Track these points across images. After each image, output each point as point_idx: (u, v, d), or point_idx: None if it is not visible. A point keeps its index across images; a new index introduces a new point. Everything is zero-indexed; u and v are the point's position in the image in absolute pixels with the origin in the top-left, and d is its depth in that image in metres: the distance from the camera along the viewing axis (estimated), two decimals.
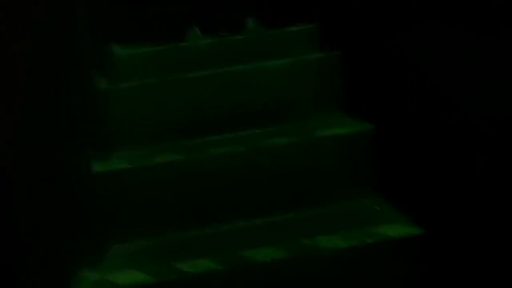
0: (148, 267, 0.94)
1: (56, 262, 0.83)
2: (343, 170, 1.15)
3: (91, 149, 1.16)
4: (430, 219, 0.98)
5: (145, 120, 1.34)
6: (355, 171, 1.15)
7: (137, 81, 1.36)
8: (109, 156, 1.19)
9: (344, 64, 1.37)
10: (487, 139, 0.71)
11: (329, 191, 1.16)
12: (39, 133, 0.84)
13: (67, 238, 0.90)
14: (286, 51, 1.59)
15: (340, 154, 1.14)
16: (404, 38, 0.96)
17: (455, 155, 0.81)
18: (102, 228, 1.07)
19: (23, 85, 0.80)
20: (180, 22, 2.38)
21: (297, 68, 1.37)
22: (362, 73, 1.29)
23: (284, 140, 1.14)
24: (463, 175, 0.78)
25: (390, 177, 1.10)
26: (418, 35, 0.91)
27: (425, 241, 0.97)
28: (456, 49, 0.80)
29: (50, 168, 0.87)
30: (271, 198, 1.15)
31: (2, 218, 0.64)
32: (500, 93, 0.69)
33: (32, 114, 0.82)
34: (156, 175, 1.10)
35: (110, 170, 1.08)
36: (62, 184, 0.93)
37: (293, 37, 1.59)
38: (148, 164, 1.10)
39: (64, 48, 1.10)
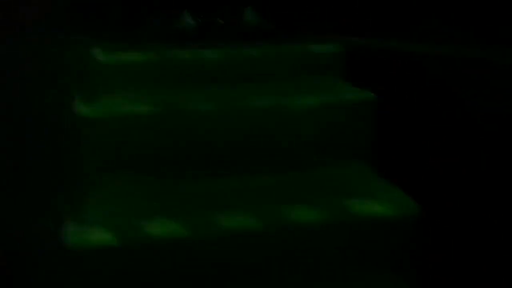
0: None
1: None
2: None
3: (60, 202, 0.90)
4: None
5: (133, 157, 1.07)
6: None
7: (126, 107, 1.07)
8: (84, 217, 0.92)
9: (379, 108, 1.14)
10: (490, 135, 0.75)
11: None
12: None
13: None
14: (305, 76, 1.34)
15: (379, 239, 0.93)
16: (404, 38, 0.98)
17: (458, 151, 0.83)
18: None
19: None
20: (171, 8, 2.09)
21: (324, 109, 1.12)
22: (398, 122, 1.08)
23: (310, 215, 0.91)
24: (467, 170, 0.80)
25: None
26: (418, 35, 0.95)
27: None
28: (456, 47, 0.82)
29: None
30: None
31: None
32: (502, 90, 0.72)
33: None
34: (145, 253, 0.85)
35: (86, 248, 0.81)
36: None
37: (315, 59, 1.33)
38: (135, 239, 0.85)
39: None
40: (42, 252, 0.79)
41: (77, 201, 0.96)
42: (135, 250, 0.83)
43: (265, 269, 0.90)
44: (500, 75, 0.71)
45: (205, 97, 1.16)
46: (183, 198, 1.03)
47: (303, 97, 1.12)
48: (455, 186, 0.79)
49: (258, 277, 0.90)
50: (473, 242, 0.76)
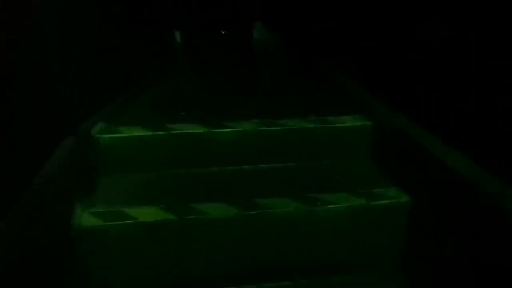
0: None
1: None
2: None
3: None
4: None
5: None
6: None
7: (131, 217, 0.93)
8: None
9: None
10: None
11: None
12: None
13: None
14: (331, 157, 1.19)
15: None
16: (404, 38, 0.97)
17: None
18: None
19: None
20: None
21: (355, 214, 1.00)
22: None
23: None
24: None
25: None
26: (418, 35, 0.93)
27: None
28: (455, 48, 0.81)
29: None
30: None
31: None
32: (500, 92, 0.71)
33: None
34: None
35: None
36: None
37: (340, 138, 1.19)
38: None
39: None
40: None
41: None
42: None
43: None
44: (497, 77, 0.70)
45: (223, 193, 1.02)
46: None
47: (330, 206, 0.98)
48: None
49: None
50: None
